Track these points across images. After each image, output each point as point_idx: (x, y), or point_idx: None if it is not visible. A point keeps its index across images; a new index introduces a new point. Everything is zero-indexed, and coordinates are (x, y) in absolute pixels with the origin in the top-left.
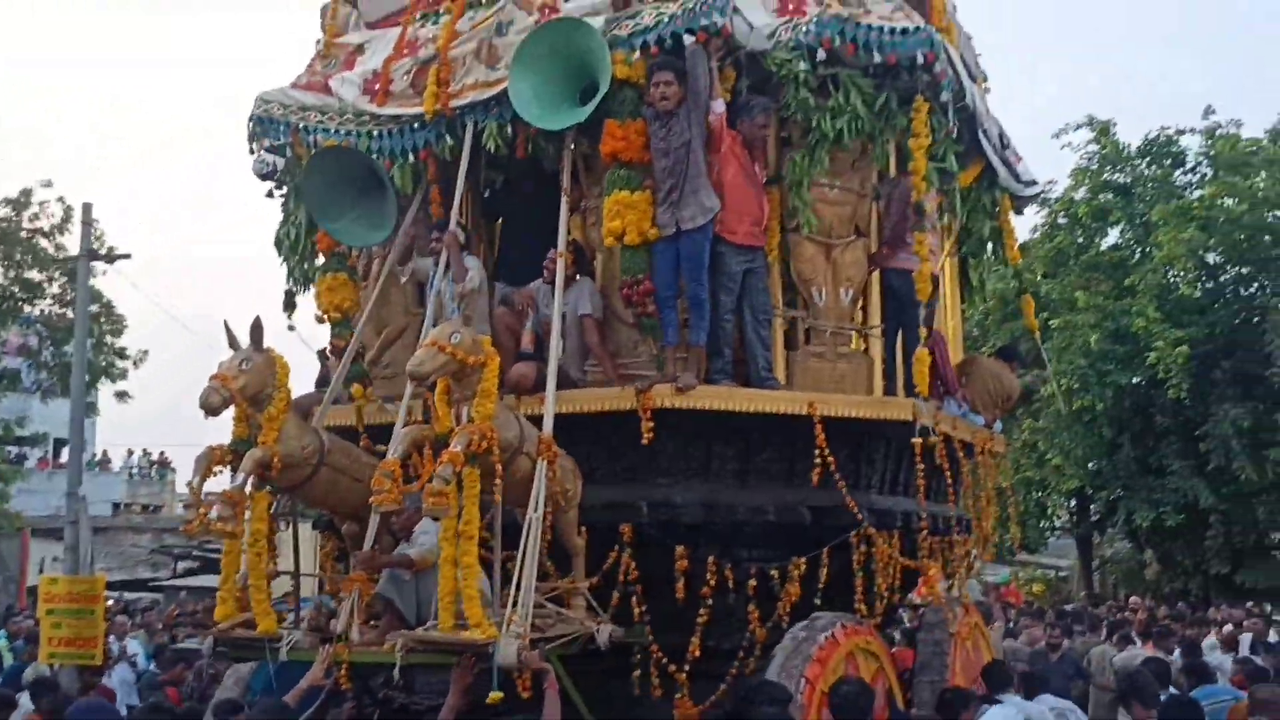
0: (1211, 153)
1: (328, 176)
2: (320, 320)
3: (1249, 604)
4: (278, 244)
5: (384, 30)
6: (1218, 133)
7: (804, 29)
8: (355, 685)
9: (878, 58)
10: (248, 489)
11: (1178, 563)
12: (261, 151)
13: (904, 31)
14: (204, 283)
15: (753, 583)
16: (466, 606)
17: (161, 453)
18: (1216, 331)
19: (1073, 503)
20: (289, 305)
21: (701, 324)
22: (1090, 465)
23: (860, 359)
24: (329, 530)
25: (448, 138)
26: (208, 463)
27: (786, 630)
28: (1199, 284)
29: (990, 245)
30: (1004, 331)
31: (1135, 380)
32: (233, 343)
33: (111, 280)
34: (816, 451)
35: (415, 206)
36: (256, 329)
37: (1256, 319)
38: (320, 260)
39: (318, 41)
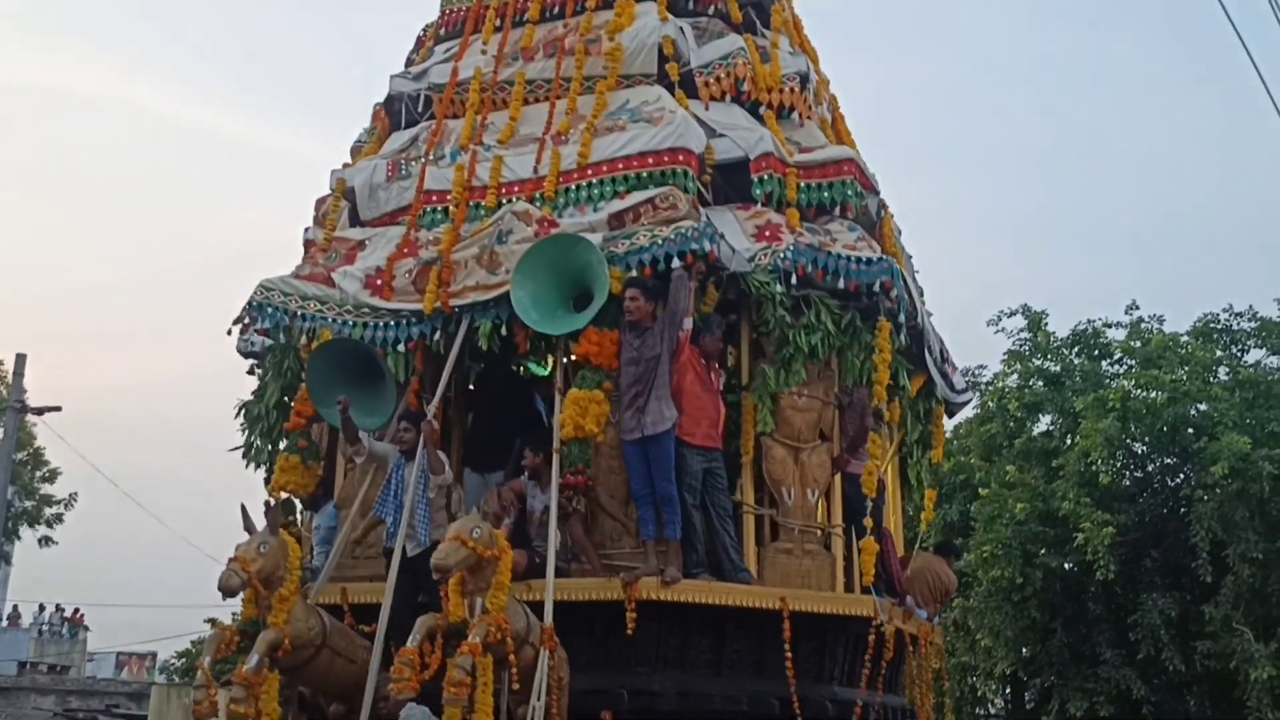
0: (1135, 345)
1: (329, 364)
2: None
3: None
4: (251, 418)
5: (383, 228)
6: (1141, 326)
7: (781, 255)
8: None
9: (844, 283)
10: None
11: None
12: (236, 331)
13: (867, 261)
14: (128, 435)
15: None
16: None
17: (76, 609)
18: (1145, 520)
19: (1007, 690)
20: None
21: (675, 520)
22: (1024, 651)
23: (824, 556)
24: (303, 710)
25: (441, 332)
26: (218, 643)
27: None
28: (1127, 473)
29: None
30: (937, 522)
31: (1066, 565)
32: (248, 525)
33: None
34: (785, 645)
35: (405, 397)
36: (272, 513)
37: (1183, 509)
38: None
39: (306, 229)
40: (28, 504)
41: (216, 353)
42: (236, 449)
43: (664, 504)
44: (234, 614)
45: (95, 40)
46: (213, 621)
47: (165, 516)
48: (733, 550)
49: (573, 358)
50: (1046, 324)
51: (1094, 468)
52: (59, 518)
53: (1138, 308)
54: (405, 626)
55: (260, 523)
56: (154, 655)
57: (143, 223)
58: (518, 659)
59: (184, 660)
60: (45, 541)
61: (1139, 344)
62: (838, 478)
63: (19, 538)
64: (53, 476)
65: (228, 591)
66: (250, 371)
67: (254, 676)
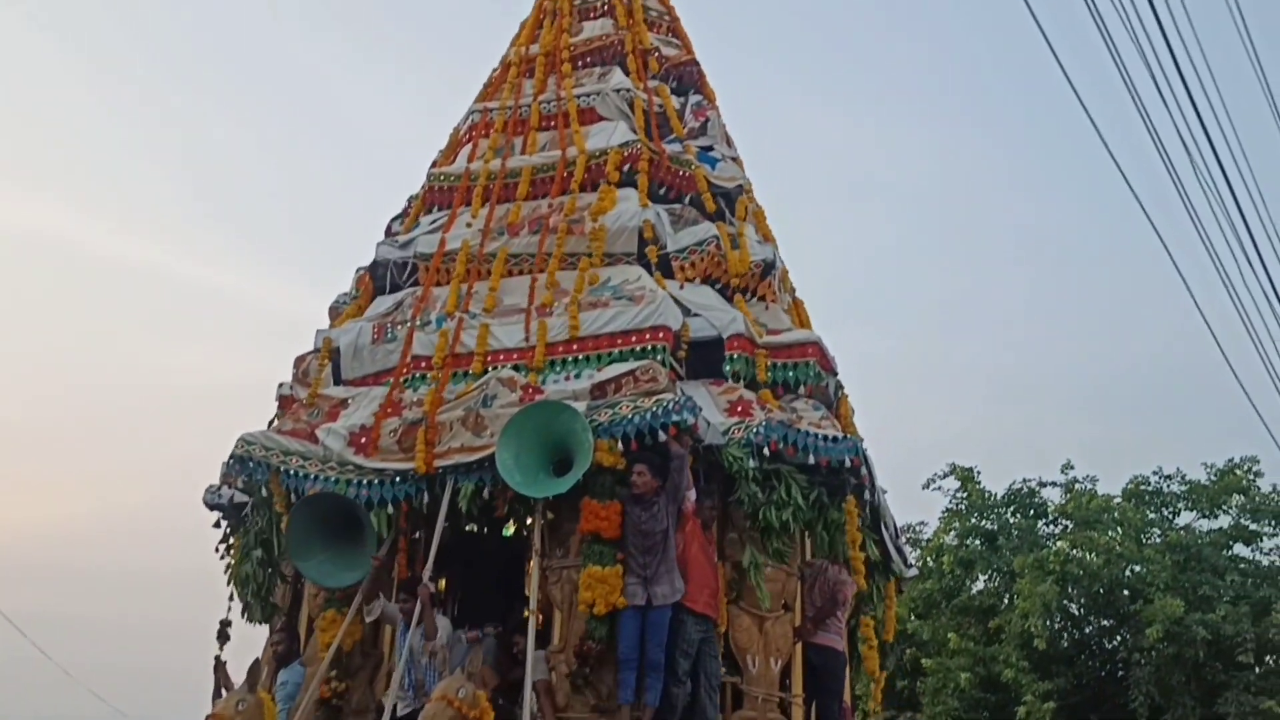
0: (1069, 508)
1: (307, 520)
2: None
3: None
4: (240, 581)
5: (366, 388)
6: (1075, 487)
7: (753, 430)
8: None
9: (813, 459)
10: None
11: None
12: (219, 487)
13: (835, 439)
14: (34, 578)
15: None
16: None
17: None
18: (1084, 683)
19: None
20: (223, 637)
21: (658, 685)
22: None
23: None
24: None
25: (427, 493)
26: None
27: None
28: (1065, 635)
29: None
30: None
31: None
32: (225, 684)
33: None
34: None
35: (385, 551)
36: (254, 672)
37: (1120, 672)
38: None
39: (281, 385)
40: None
41: (132, 498)
42: (227, 625)
43: (651, 670)
44: None
45: (37, 177)
46: None
47: (71, 665)
48: (715, 718)
49: (567, 526)
50: (978, 481)
51: (1031, 631)
52: None
53: (1072, 467)
54: None
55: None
56: None
57: (74, 361)
58: None
59: None
60: None
61: (1073, 506)
62: (799, 647)
63: None
64: None
65: None
66: (216, 524)
67: None
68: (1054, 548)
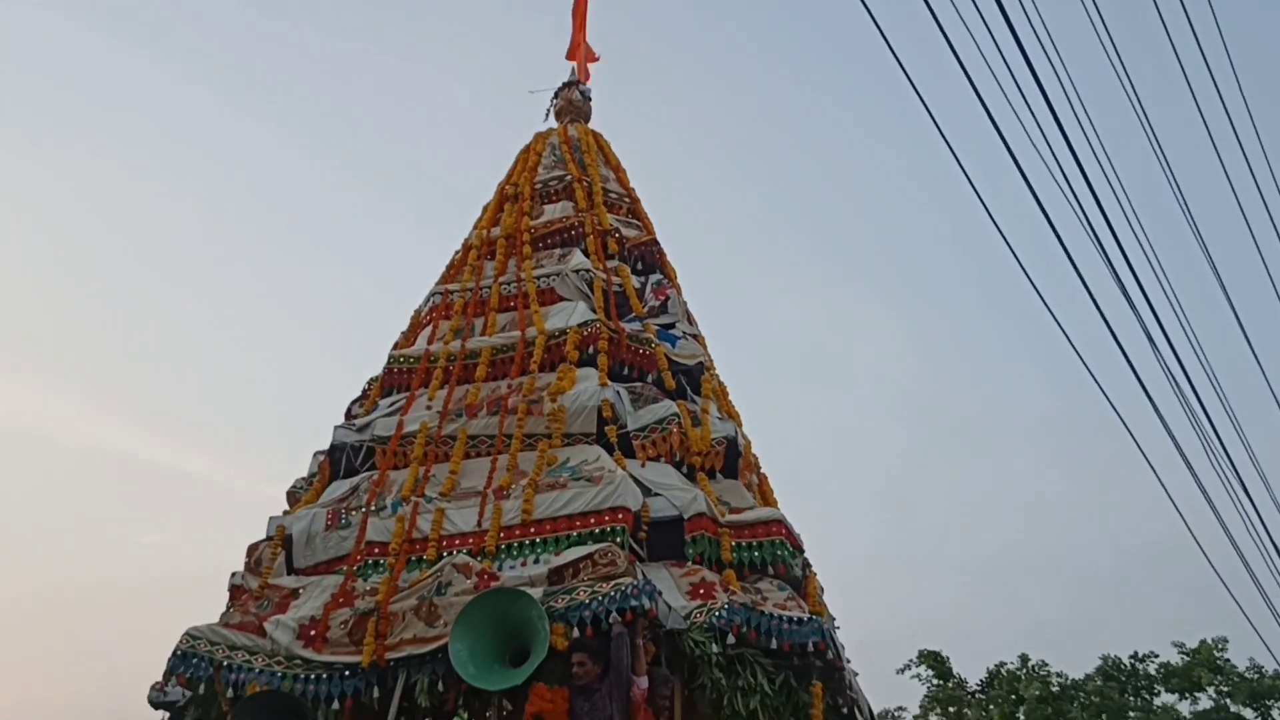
0: (1037, 691)
1: (252, 717)
2: None
3: None
4: None
5: (319, 577)
6: (1044, 671)
7: (716, 613)
8: None
9: (777, 643)
10: None
11: None
12: (162, 685)
13: (799, 621)
14: None
15: None
16: None
17: None
18: None
19: None
20: None
21: None
22: None
23: None
24: None
25: (377, 688)
26: None
27: None
28: None
29: None
30: None
31: None
32: None
33: None
34: None
35: None
36: None
37: None
38: None
39: (233, 574)
40: None
41: (83, 688)
42: None
43: None
44: None
45: None
46: None
47: None
48: None
49: (521, 715)
50: (949, 665)
51: None
52: None
53: (1029, 659)
54: None
55: None
56: None
57: (27, 549)
58: None
59: None
60: None
61: (1041, 689)
62: None
63: None
64: None
65: None
66: None
67: None
68: None
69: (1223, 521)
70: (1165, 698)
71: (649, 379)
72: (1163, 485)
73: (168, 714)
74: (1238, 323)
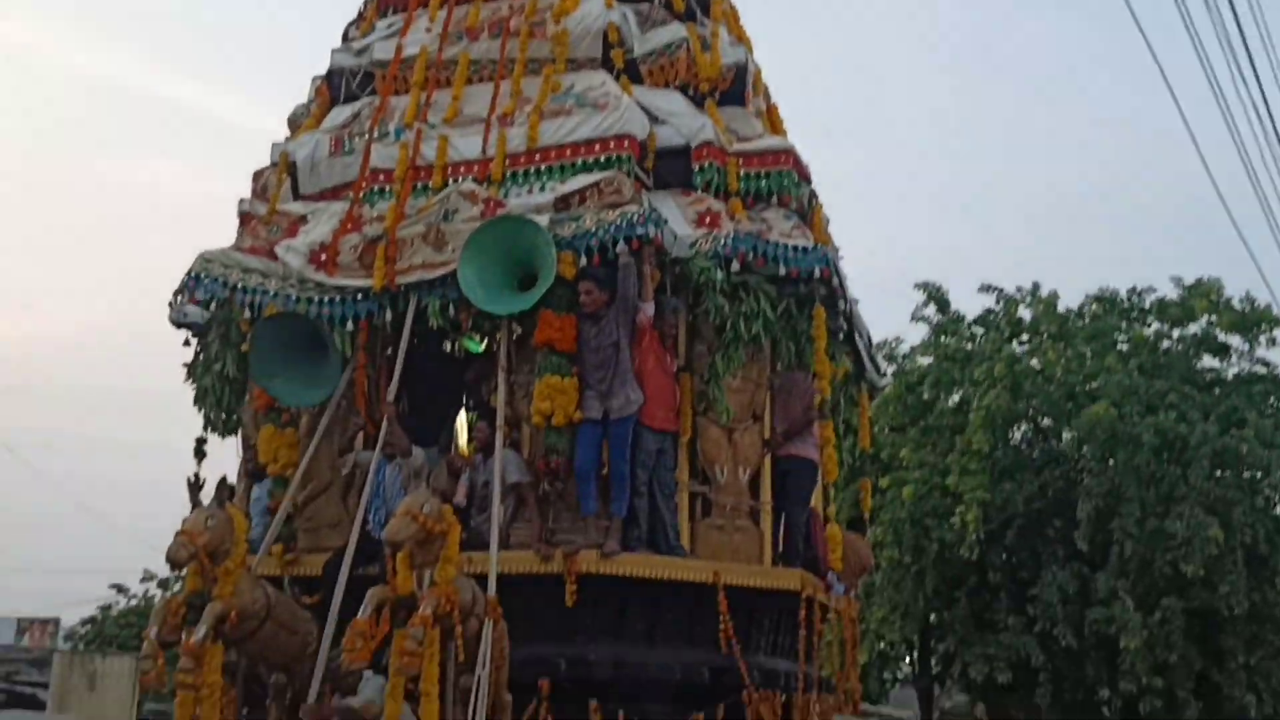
0: (1039, 315)
1: (270, 338)
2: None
3: None
4: (200, 396)
5: (325, 203)
6: (1038, 296)
7: (721, 241)
8: None
9: (782, 270)
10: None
11: (1012, 717)
12: (180, 302)
13: (804, 250)
14: (30, 402)
15: None
16: None
17: None
18: (1048, 492)
19: (913, 654)
20: (199, 454)
21: (622, 497)
22: (930, 618)
23: (753, 532)
24: (231, 680)
25: (389, 311)
26: (165, 614)
27: None
28: (1030, 445)
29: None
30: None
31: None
32: (194, 498)
33: None
34: (719, 616)
35: (349, 373)
36: (223, 488)
37: (1082, 480)
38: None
39: (241, 201)
40: None
41: (113, 313)
42: (203, 443)
43: (616, 482)
44: (141, 580)
45: None
46: (119, 588)
47: (57, 481)
48: (672, 527)
49: (532, 343)
50: (945, 296)
51: (979, 441)
52: None
53: (1039, 287)
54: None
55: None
56: (57, 621)
57: (34, 177)
58: (464, 630)
59: (89, 627)
60: None
61: (1042, 312)
62: (768, 457)
63: None
64: None
65: (175, 564)
66: (186, 343)
67: (198, 649)
68: (1003, 355)
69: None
70: (1156, 328)
71: (656, 0)
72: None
73: (190, 334)
74: None
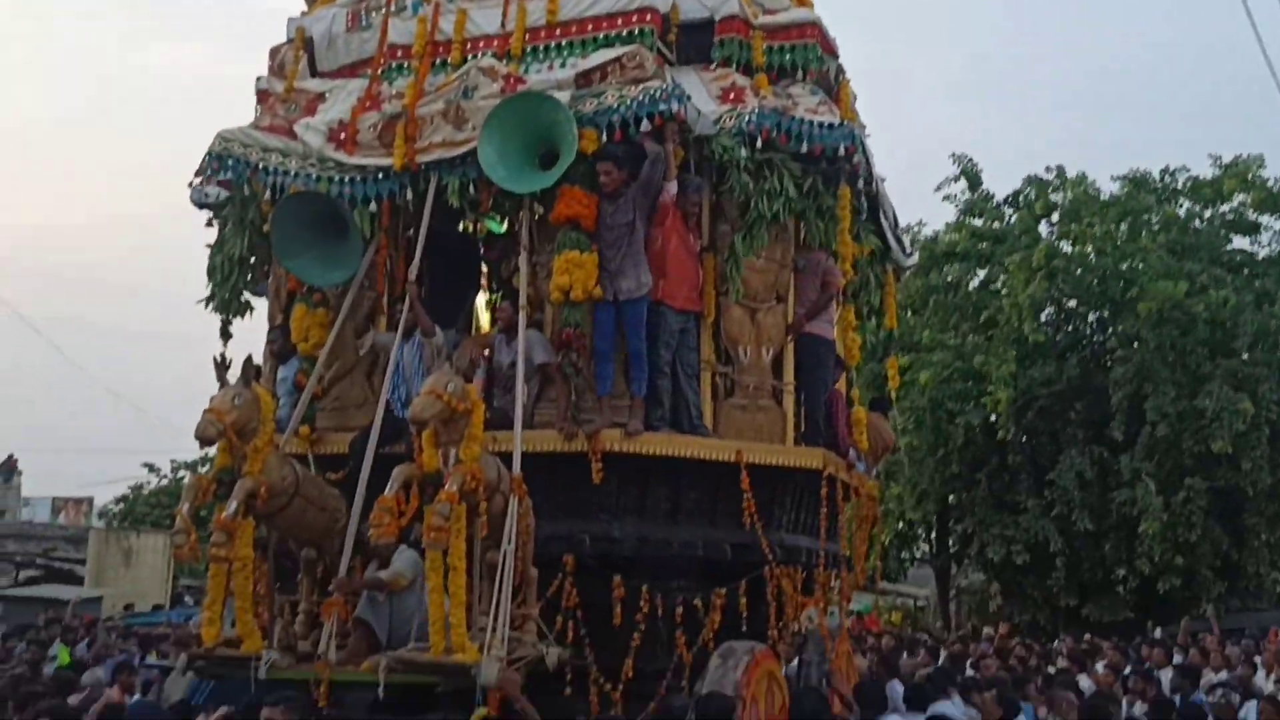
0: (1069, 197)
1: (291, 218)
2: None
3: (1086, 636)
4: (211, 270)
5: (343, 80)
6: (1068, 180)
7: (745, 118)
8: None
9: (807, 148)
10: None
11: (1028, 595)
12: (201, 183)
13: (830, 126)
14: (64, 289)
15: (680, 610)
16: (454, 632)
17: (11, 455)
18: (1071, 375)
19: (932, 534)
20: (225, 335)
21: (642, 377)
22: (950, 499)
23: (776, 411)
24: (263, 554)
25: (410, 190)
26: (196, 491)
27: (713, 653)
28: (1063, 330)
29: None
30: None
31: (989, 418)
32: (221, 378)
33: None
34: (743, 494)
35: (371, 253)
36: (249, 367)
37: (1109, 364)
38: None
39: (259, 79)
40: None
41: (143, 197)
42: (229, 324)
43: (634, 362)
44: (172, 460)
45: None
46: (150, 467)
47: (89, 364)
48: (695, 407)
49: (551, 218)
50: (978, 173)
51: (1027, 329)
52: None
53: (1066, 174)
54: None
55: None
56: (90, 500)
57: (59, 61)
58: (489, 507)
59: (122, 505)
60: None
61: (1072, 196)
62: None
63: None
64: None
65: (204, 440)
66: (209, 223)
67: (230, 523)
68: (1041, 243)
69: None
70: (1188, 208)
71: None
72: None
73: (211, 215)
74: None
